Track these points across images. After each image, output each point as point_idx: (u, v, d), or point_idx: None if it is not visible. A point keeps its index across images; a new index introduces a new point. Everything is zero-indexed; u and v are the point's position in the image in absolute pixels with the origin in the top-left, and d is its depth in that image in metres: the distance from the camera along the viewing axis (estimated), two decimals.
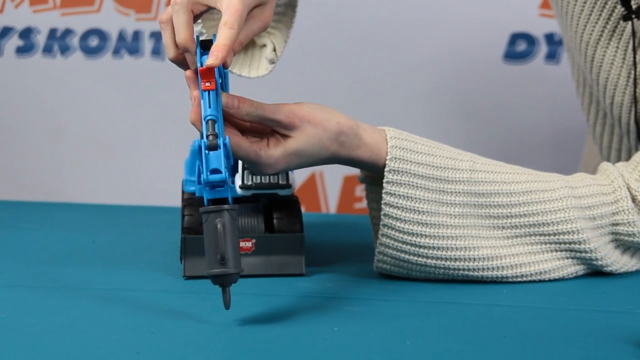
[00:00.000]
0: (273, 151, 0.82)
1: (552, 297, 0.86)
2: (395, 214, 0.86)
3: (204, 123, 0.77)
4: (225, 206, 0.76)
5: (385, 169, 0.86)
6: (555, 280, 0.90)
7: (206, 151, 0.75)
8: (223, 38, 0.78)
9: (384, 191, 0.86)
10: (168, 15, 0.80)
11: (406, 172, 0.86)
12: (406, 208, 0.86)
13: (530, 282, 0.89)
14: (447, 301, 0.84)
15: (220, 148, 0.75)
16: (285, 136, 0.83)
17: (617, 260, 0.92)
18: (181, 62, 0.82)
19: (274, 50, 0.97)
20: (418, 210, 0.86)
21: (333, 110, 0.85)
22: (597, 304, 0.84)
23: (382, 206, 0.86)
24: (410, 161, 0.86)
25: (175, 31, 0.80)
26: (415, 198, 0.86)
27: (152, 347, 0.72)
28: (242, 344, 0.73)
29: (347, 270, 0.95)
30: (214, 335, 0.75)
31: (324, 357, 0.70)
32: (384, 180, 0.86)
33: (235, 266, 0.76)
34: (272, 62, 0.97)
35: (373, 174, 0.92)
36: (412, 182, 0.86)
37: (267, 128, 0.83)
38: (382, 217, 0.87)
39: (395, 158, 0.86)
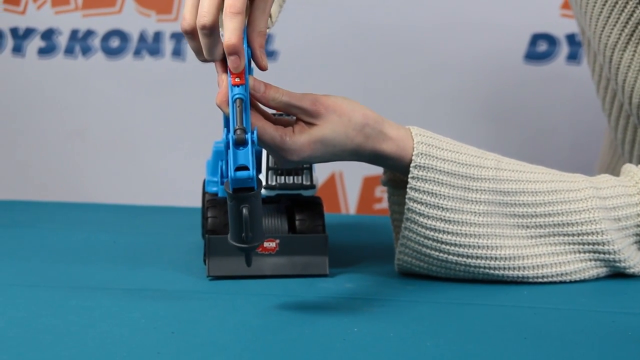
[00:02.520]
0: (298, 137, 0.82)
1: (573, 299, 0.85)
2: (419, 210, 0.86)
3: (231, 103, 0.77)
4: (251, 193, 0.75)
5: (411, 164, 0.86)
6: (576, 281, 0.90)
7: (234, 147, 0.75)
8: (231, 31, 0.76)
9: (408, 186, 0.86)
10: (190, 28, 0.80)
11: (432, 168, 0.86)
12: (430, 204, 0.86)
13: (551, 283, 0.89)
14: (467, 302, 0.84)
15: (248, 143, 0.75)
16: (310, 124, 0.83)
17: (639, 263, 0.91)
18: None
19: (270, 16, 0.96)
20: (442, 207, 0.86)
21: (358, 103, 0.85)
22: (619, 306, 0.83)
23: (406, 201, 0.86)
24: (436, 157, 0.86)
25: (205, 51, 0.79)
26: (440, 195, 0.86)
27: (173, 347, 0.72)
28: (262, 345, 0.73)
29: (367, 271, 0.95)
30: (235, 335, 0.75)
31: (344, 358, 0.70)
32: (409, 176, 0.86)
33: (259, 238, 0.77)
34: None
35: (396, 177, 0.92)
36: (438, 178, 0.86)
37: (291, 122, 0.83)
38: (405, 211, 0.87)
39: (421, 154, 0.86)
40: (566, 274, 0.89)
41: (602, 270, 0.90)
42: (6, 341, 0.74)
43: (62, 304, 0.84)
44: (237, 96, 0.76)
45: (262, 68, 0.80)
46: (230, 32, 0.76)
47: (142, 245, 1.08)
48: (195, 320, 0.79)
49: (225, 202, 0.78)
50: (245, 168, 0.74)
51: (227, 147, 0.75)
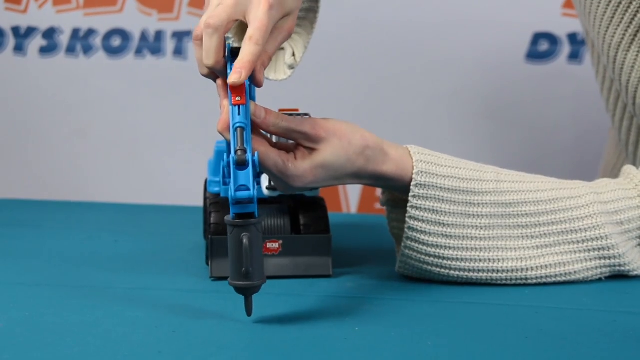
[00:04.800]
0: (301, 163, 0.82)
1: (575, 298, 0.85)
2: (421, 227, 0.86)
3: (232, 131, 0.77)
4: (252, 220, 0.75)
5: (412, 183, 0.85)
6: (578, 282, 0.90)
7: (234, 167, 0.75)
8: (247, 54, 0.77)
9: (409, 205, 0.86)
10: (202, 33, 0.80)
11: (433, 185, 0.86)
12: (432, 221, 0.86)
13: (554, 284, 0.89)
14: (468, 302, 0.84)
15: (249, 164, 0.75)
16: (311, 149, 0.83)
17: None
18: (212, 77, 0.82)
19: (293, 55, 0.97)
20: (444, 223, 0.86)
21: (358, 126, 0.85)
22: (620, 305, 0.83)
23: (407, 219, 0.86)
24: (437, 174, 0.86)
25: (204, 54, 0.79)
26: (442, 211, 0.86)
27: (174, 346, 0.72)
28: (263, 344, 0.73)
29: (369, 271, 0.95)
30: (236, 334, 0.75)
31: (345, 357, 0.70)
32: (410, 194, 0.86)
33: (259, 278, 0.76)
34: (291, 67, 0.97)
35: (395, 197, 0.91)
36: (439, 195, 0.86)
37: (291, 147, 0.83)
38: (406, 230, 0.87)
39: (422, 172, 0.86)
40: (571, 281, 0.89)
41: (605, 276, 0.90)
42: (9, 340, 0.74)
43: (63, 303, 0.84)
44: (238, 125, 0.77)
45: (258, 84, 0.81)
46: (245, 54, 0.77)
47: (144, 245, 1.08)
48: (197, 319, 0.79)
49: (228, 202, 0.78)
50: (246, 188, 0.75)
51: (229, 167, 0.75)
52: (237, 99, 0.77)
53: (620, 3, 1.00)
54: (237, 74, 0.77)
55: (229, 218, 0.76)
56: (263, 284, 0.77)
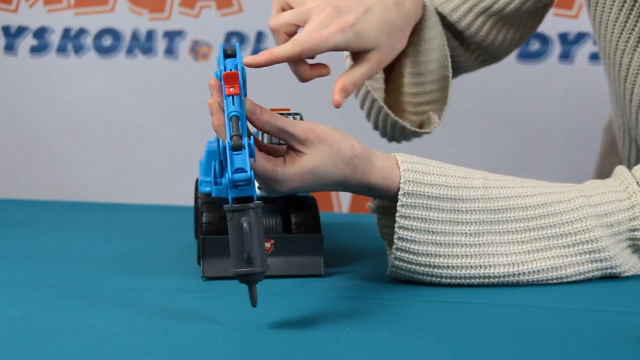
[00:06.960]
0: (289, 168, 0.82)
1: (565, 298, 0.86)
2: (410, 237, 0.86)
3: (227, 120, 0.77)
4: (251, 204, 0.75)
5: (400, 192, 0.86)
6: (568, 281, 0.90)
7: (231, 151, 0.75)
8: (280, 49, 0.83)
9: (397, 214, 0.86)
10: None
11: (420, 194, 0.86)
12: (421, 230, 0.86)
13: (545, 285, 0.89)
14: (459, 301, 0.84)
15: (245, 148, 0.75)
16: (300, 153, 0.83)
17: (634, 266, 0.91)
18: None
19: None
20: (432, 231, 0.86)
21: (348, 135, 0.85)
22: (611, 305, 0.84)
23: (396, 230, 0.86)
24: (424, 183, 0.86)
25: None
26: (430, 219, 0.86)
27: (165, 346, 0.72)
28: (254, 343, 0.73)
29: (360, 270, 0.95)
30: (227, 334, 0.75)
31: (336, 357, 0.70)
32: (398, 204, 0.86)
33: (262, 265, 0.76)
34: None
35: (385, 204, 0.91)
36: (427, 203, 0.86)
37: (280, 151, 0.83)
38: (395, 240, 0.87)
39: (409, 181, 0.86)
40: (563, 284, 0.89)
41: (596, 277, 0.90)
42: None
43: (54, 303, 0.84)
44: (232, 114, 0.77)
45: (335, 104, 0.89)
46: (279, 48, 0.84)
47: (135, 245, 1.08)
48: (188, 319, 0.79)
49: (219, 201, 0.78)
50: (243, 170, 0.75)
51: (225, 152, 0.75)
52: (230, 89, 0.78)
53: (632, 8, 1.00)
54: (255, 56, 0.79)
55: (227, 206, 0.76)
56: (266, 270, 0.77)
